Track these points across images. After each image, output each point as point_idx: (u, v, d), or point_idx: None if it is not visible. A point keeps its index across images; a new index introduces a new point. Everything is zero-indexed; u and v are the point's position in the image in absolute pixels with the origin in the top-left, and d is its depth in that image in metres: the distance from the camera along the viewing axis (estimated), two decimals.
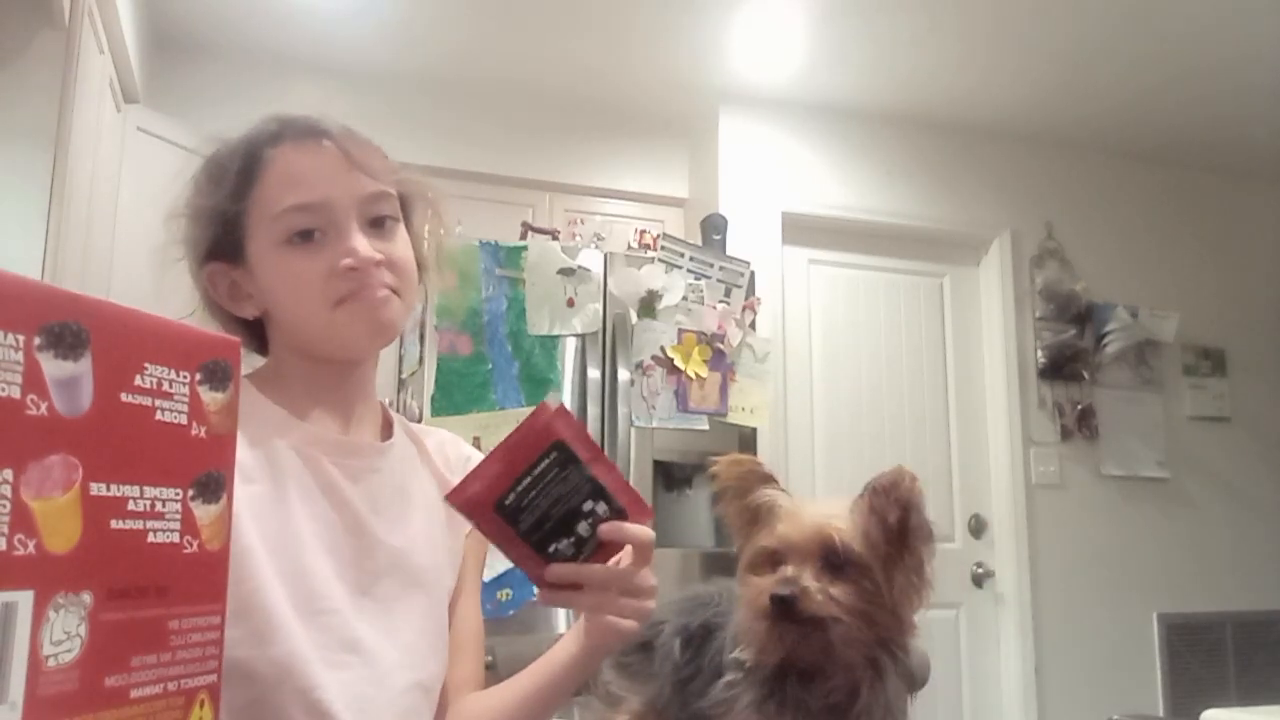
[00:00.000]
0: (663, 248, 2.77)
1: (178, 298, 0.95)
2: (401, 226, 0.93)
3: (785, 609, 0.72)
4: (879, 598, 0.73)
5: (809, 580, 0.73)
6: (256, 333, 0.95)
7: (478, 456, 1.05)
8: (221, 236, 0.89)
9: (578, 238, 3.05)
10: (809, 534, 0.75)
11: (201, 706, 0.48)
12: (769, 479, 0.82)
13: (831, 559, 0.74)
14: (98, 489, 0.43)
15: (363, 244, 0.87)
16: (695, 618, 0.84)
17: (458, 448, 1.04)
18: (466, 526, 1.01)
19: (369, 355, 0.94)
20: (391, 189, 0.92)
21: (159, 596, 0.46)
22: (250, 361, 0.95)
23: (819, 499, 0.79)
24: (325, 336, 0.89)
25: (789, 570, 0.74)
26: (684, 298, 2.71)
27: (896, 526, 0.73)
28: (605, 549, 0.78)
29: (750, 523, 0.80)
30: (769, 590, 0.73)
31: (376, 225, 0.90)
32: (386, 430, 0.99)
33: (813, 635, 0.72)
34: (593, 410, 2.55)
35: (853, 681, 0.74)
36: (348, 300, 0.87)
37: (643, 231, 3.28)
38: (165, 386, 0.46)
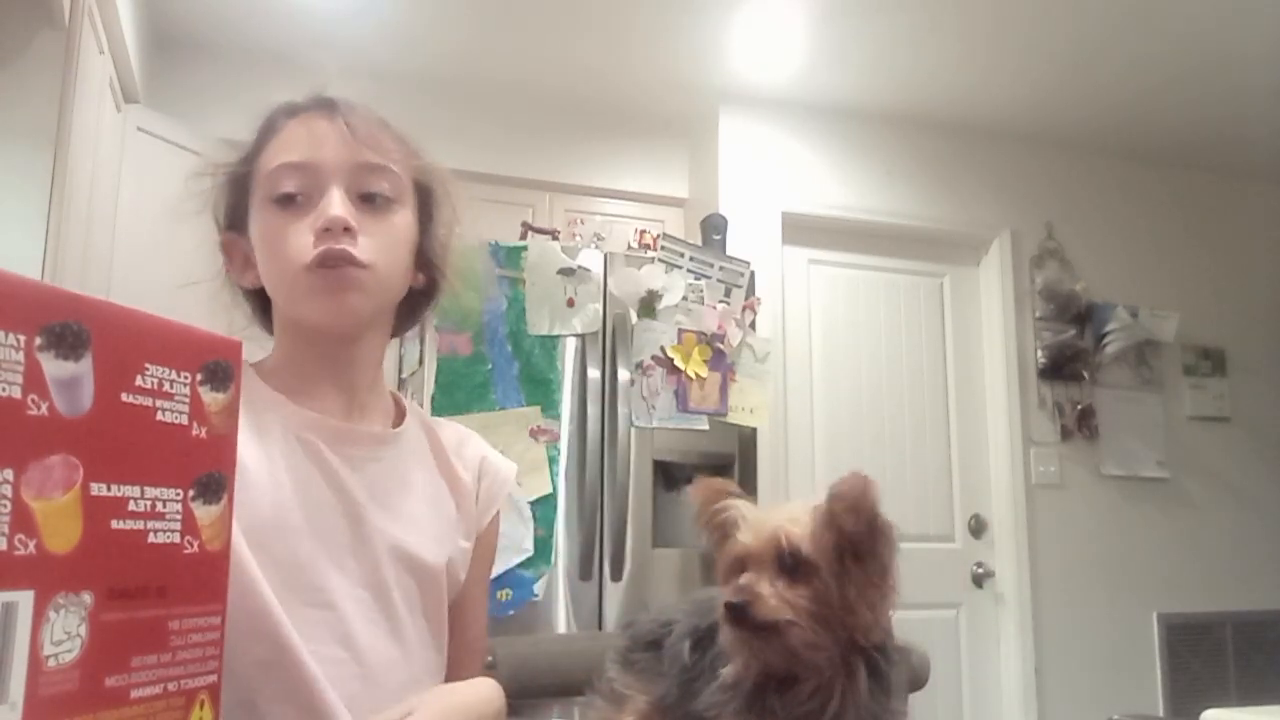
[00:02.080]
0: (663, 248, 2.77)
1: (179, 296, 0.95)
2: (402, 210, 0.92)
3: (738, 616, 0.73)
4: (831, 598, 0.73)
5: (764, 586, 0.73)
6: (257, 307, 0.95)
7: (494, 456, 1.04)
8: (234, 202, 0.91)
9: (578, 238, 3.05)
10: (765, 540, 0.75)
11: (201, 707, 0.48)
12: (736, 495, 0.82)
13: (784, 562, 0.74)
14: (98, 489, 0.43)
15: (337, 206, 0.86)
16: (706, 619, 0.84)
17: (477, 447, 1.03)
18: (482, 524, 1.00)
19: (330, 327, 0.90)
20: (398, 170, 0.91)
21: (159, 597, 0.46)
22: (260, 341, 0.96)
23: (783, 505, 0.79)
24: (292, 303, 0.89)
25: (745, 578, 0.75)
26: (684, 298, 2.71)
27: (855, 534, 0.73)
28: None
29: (723, 537, 0.81)
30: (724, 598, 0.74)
31: (367, 200, 0.89)
32: (399, 420, 0.98)
33: (772, 640, 0.73)
34: (593, 410, 2.55)
35: (824, 686, 0.74)
36: (321, 267, 0.85)
37: (643, 231, 3.28)
38: (166, 387, 0.46)
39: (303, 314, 0.88)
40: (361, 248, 0.86)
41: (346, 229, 0.85)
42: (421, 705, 0.79)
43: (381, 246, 0.88)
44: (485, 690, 0.89)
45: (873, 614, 0.74)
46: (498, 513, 1.02)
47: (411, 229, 0.93)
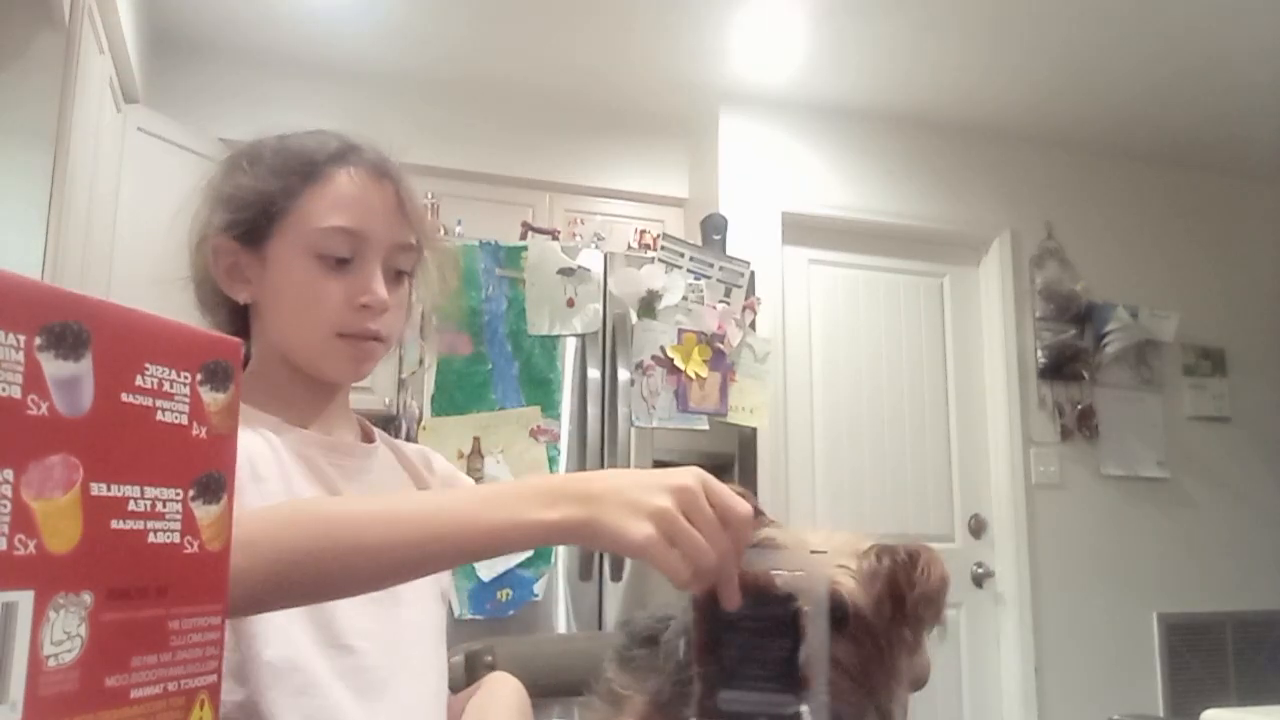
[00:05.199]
0: (663, 248, 2.77)
1: (179, 296, 0.95)
2: (409, 278, 0.96)
3: None
4: (879, 659, 0.69)
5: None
6: (235, 319, 0.96)
7: (456, 470, 1.08)
8: (249, 220, 0.91)
9: (578, 238, 3.05)
10: (810, 581, 0.69)
11: (201, 707, 0.48)
12: (759, 514, 0.78)
13: (834, 614, 0.69)
14: (98, 489, 0.43)
15: (381, 288, 0.90)
16: None
17: (441, 461, 1.07)
18: None
19: (337, 384, 0.97)
20: (416, 242, 0.95)
21: (159, 597, 0.46)
22: None
23: (817, 531, 0.74)
24: (309, 354, 0.91)
25: None
26: (684, 298, 2.71)
27: (908, 609, 0.69)
28: None
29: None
30: None
31: (397, 275, 0.93)
32: (366, 438, 1.01)
33: None
34: (593, 410, 2.55)
35: None
36: (349, 337, 0.90)
37: (643, 231, 3.28)
38: (166, 387, 0.46)
39: (319, 370, 0.92)
40: (384, 322, 0.92)
41: (384, 309, 0.91)
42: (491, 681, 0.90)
43: (397, 317, 0.94)
44: (515, 684, 0.97)
45: (904, 682, 0.70)
46: None
47: (408, 289, 0.98)
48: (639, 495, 0.61)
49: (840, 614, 0.69)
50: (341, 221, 0.89)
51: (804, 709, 0.65)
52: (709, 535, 0.61)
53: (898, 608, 0.70)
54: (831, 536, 0.74)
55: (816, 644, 0.66)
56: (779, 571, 0.67)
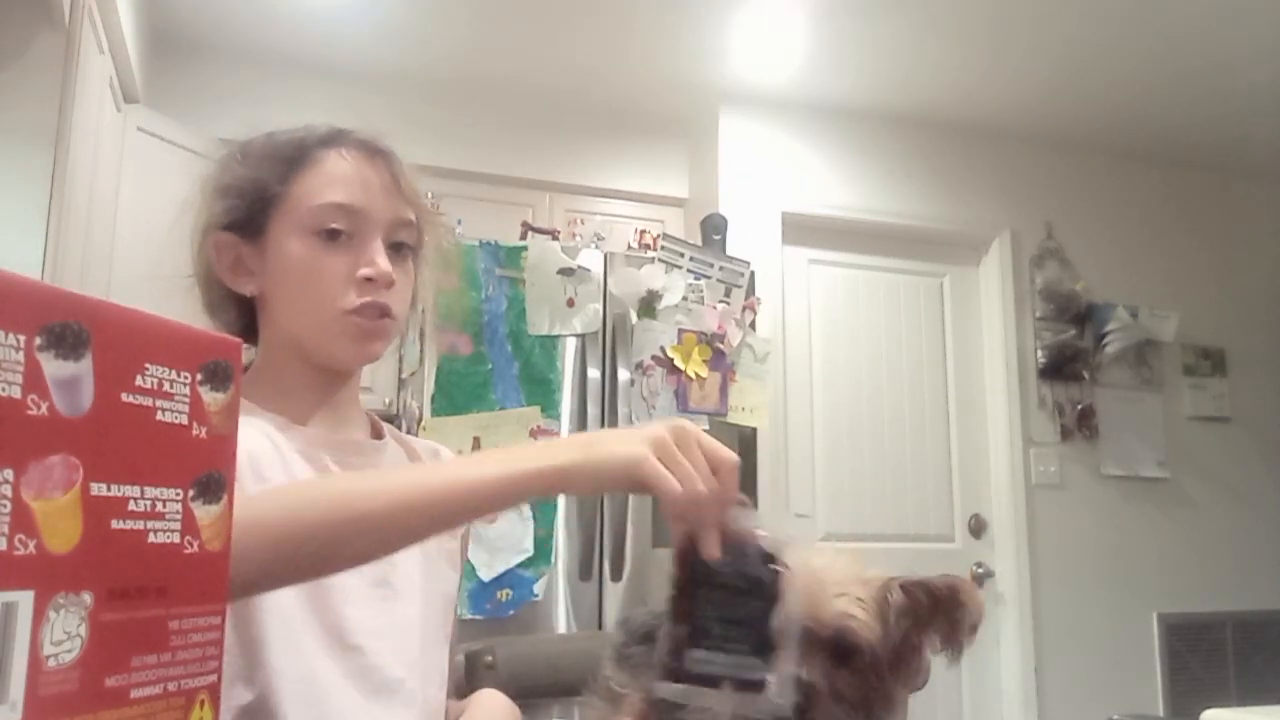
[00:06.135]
0: (663, 248, 2.77)
1: (178, 296, 0.95)
2: (413, 256, 0.96)
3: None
4: (880, 690, 0.68)
5: (816, 676, 0.65)
6: (244, 317, 0.95)
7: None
8: (246, 210, 0.91)
9: (578, 238, 3.05)
10: (815, 611, 0.68)
11: (201, 707, 0.48)
12: (744, 503, 0.77)
13: (837, 646, 0.67)
14: (98, 489, 0.43)
15: (384, 260, 0.89)
16: None
17: (448, 453, 1.05)
18: (462, 529, 1.03)
19: (348, 369, 0.95)
20: (415, 219, 0.95)
21: (159, 597, 0.46)
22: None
23: (822, 554, 0.72)
24: (317, 337, 0.90)
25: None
26: (684, 298, 2.71)
27: (952, 637, 0.68)
28: None
29: None
30: None
31: (396, 249, 0.92)
32: (375, 432, 1.01)
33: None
34: (593, 410, 2.55)
35: None
36: (356, 315, 0.89)
37: (643, 231, 3.28)
38: (166, 387, 0.46)
39: (330, 353, 0.91)
40: (393, 300, 0.91)
41: (389, 283, 0.90)
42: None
43: (403, 294, 0.93)
44: (503, 700, 0.96)
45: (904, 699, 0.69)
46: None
47: (413, 269, 0.97)
48: (634, 431, 0.67)
49: (848, 649, 0.67)
50: (336, 198, 0.89)
51: (770, 677, 0.63)
52: (700, 471, 0.65)
53: (928, 639, 0.69)
54: (835, 560, 0.72)
55: (791, 617, 0.65)
56: (762, 531, 0.68)
